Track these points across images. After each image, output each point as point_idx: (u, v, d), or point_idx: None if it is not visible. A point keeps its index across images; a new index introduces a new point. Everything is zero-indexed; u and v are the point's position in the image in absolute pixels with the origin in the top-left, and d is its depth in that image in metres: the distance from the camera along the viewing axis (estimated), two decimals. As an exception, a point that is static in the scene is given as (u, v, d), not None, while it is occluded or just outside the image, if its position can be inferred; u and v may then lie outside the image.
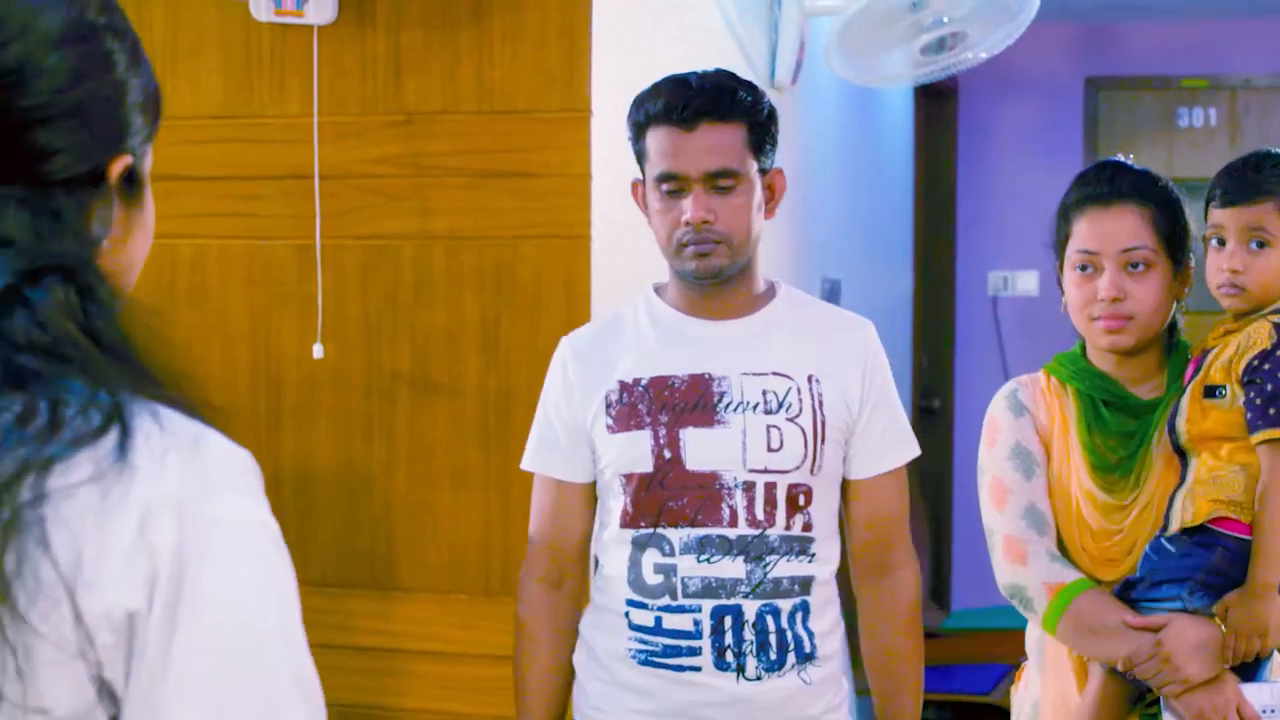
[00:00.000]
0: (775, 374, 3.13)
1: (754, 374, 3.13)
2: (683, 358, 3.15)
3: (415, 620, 4.08)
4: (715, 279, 3.13)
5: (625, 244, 4.11)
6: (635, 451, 3.12)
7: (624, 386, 3.16)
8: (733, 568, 3.07)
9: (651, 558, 3.11)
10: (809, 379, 3.13)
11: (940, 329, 8.69)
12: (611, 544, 3.17)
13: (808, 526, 3.11)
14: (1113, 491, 3.14)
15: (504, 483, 4.02)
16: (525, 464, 3.30)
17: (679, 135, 3.08)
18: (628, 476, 3.13)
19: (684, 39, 4.60)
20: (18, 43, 1.35)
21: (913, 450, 3.26)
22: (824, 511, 3.15)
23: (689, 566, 3.08)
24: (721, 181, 3.08)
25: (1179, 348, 3.22)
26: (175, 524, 1.30)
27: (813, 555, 3.12)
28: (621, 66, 4.10)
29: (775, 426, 3.09)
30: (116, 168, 1.43)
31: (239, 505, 1.35)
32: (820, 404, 3.12)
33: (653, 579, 3.11)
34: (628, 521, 3.13)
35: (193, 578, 1.30)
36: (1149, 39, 8.76)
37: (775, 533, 3.08)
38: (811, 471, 3.11)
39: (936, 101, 8.59)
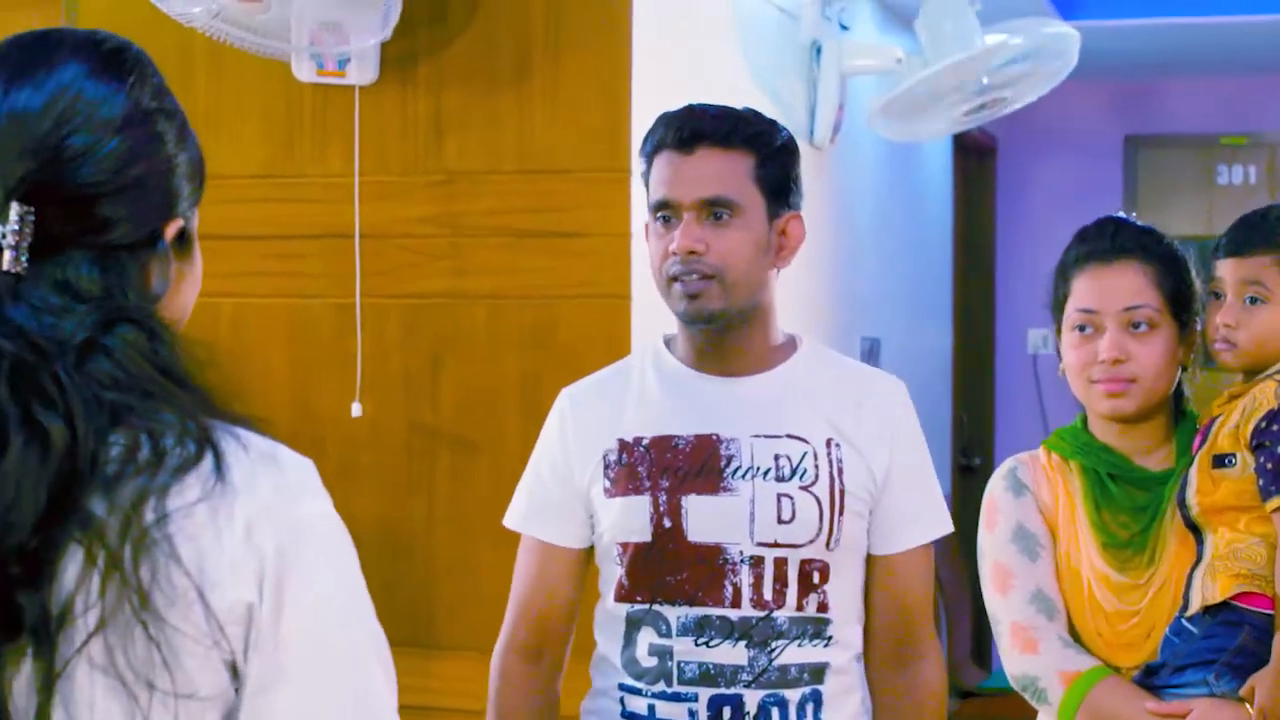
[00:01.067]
0: (790, 437, 2.81)
1: (766, 436, 2.81)
2: (689, 416, 2.83)
3: (456, 679, 4.07)
4: (710, 324, 2.80)
5: (665, 303, 4.11)
6: (633, 519, 2.80)
7: (624, 446, 2.84)
8: (733, 653, 2.75)
9: (647, 637, 2.80)
10: (828, 443, 2.81)
11: (980, 387, 8.67)
12: (606, 620, 2.88)
13: (823, 607, 2.79)
14: (1127, 570, 2.92)
15: (544, 541, 4.01)
16: (511, 523, 3.01)
17: (676, 159, 2.80)
18: (624, 545, 2.82)
19: (724, 98, 4.61)
20: (84, 130, 1.58)
21: (944, 526, 2.94)
22: (844, 590, 2.83)
23: (686, 650, 2.76)
24: (717, 210, 2.77)
25: (1187, 417, 3.01)
26: (273, 529, 1.57)
27: (829, 639, 2.80)
28: (661, 126, 4.11)
29: (787, 495, 2.77)
30: (170, 230, 1.66)
31: (315, 506, 1.64)
32: (839, 471, 2.80)
33: (647, 661, 2.79)
34: (622, 595, 2.82)
35: (291, 572, 1.57)
36: (1187, 97, 8.76)
37: (784, 614, 2.76)
38: (828, 546, 2.79)
39: (975, 160, 8.59)
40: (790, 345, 2.92)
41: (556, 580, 2.94)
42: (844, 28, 5.57)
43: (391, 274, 4.14)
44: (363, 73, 4.05)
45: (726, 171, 2.79)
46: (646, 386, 2.90)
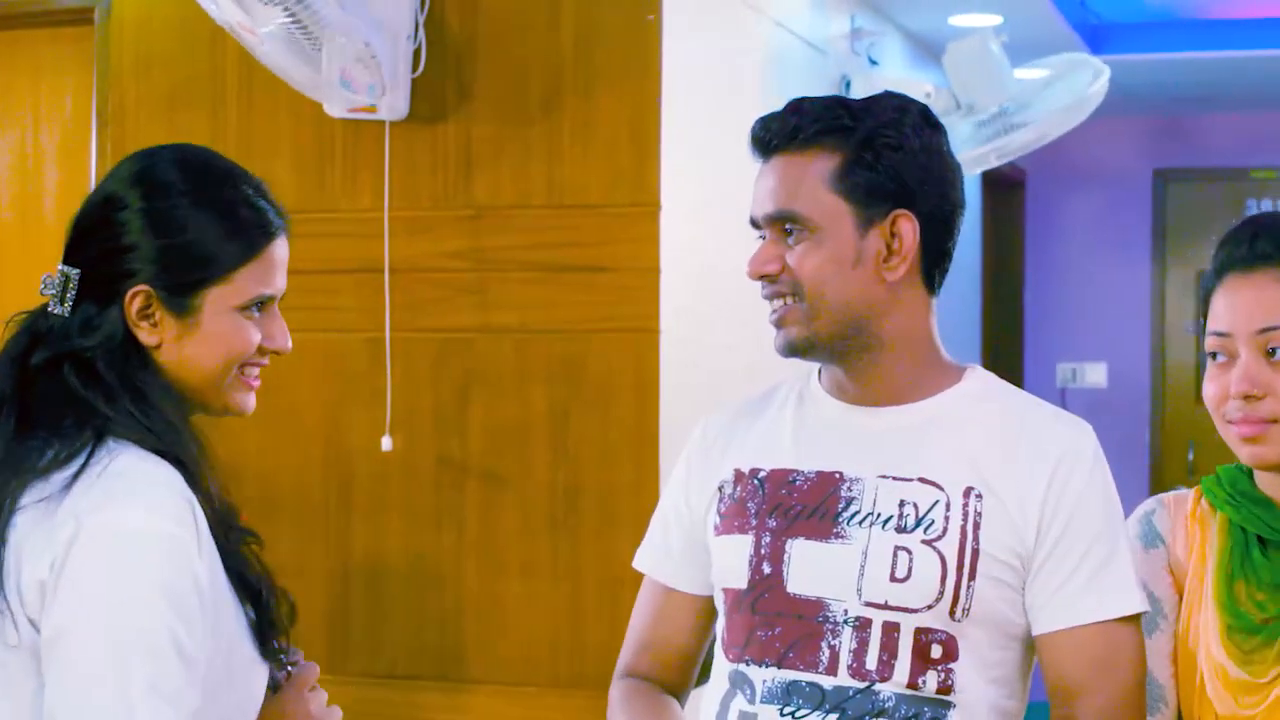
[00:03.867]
0: (922, 481, 2.32)
1: (894, 479, 2.33)
2: (814, 450, 2.40)
3: (484, 712, 4.07)
4: (803, 356, 2.39)
5: (695, 337, 4.12)
6: (733, 560, 2.39)
7: (739, 477, 2.43)
8: None
9: (738, 704, 2.36)
10: (966, 492, 2.31)
11: (1009, 421, 8.64)
12: (713, 678, 2.44)
13: (946, 688, 2.28)
14: (1250, 664, 2.29)
15: (573, 575, 4.02)
16: (636, 562, 2.61)
17: (760, 168, 2.41)
18: (725, 592, 2.41)
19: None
20: (88, 219, 2.17)
21: (1127, 603, 2.31)
22: (979, 672, 2.30)
23: None
24: (785, 226, 2.35)
25: None
26: (74, 526, 1.97)
27: None
28: (690, 161, 4.12)
29: (905, 549, 2.29)
30: (130, 294, 2.11)
31: (123, 517, 1.98)
32: (975, 526, 2.29)
33: None
34: (724, 650, 2.41)
35: (70, 561, 1.96)
36: (1217, 131, 8.75)
37: (889, 689, 2.27)
38: (952, 614, 2.28)
39: (1004, 194, 8.59)
40: (953, 375, 2.43)
41: (674, 627, 2.56)
42: (873, 62, 5.58)
43: (421, 308, 4.15)
44: (393, 108, 4.06)
45: (793, 179, 2.35)
46: (783, 413, 2.48)
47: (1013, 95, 5.19)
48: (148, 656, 1.95)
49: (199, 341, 2.15)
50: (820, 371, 2.47)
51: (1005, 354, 8.61)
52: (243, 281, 2.18)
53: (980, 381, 2.43)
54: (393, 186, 4.14)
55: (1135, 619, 2.32)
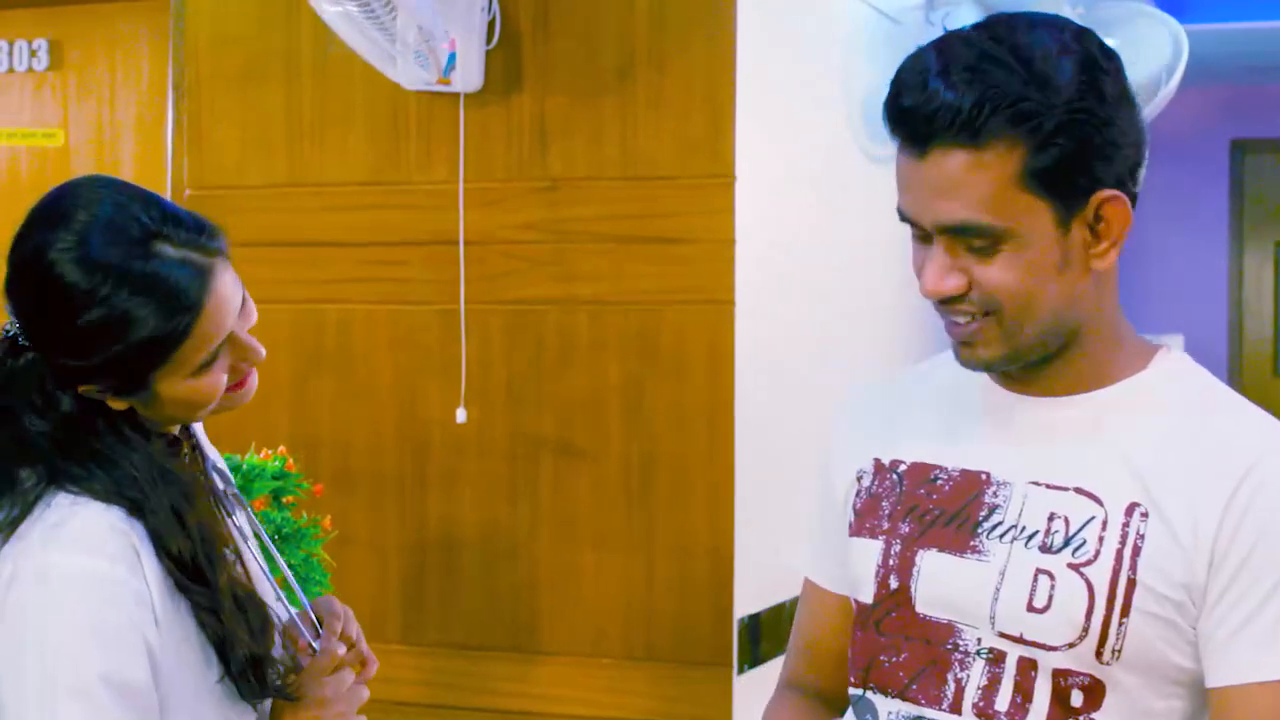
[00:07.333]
0: (1079, 492, 1.96)
1: (1047, 486, 1.98)
2: (961, 443, 2.07)
3: (556, 684, 4.08)
4: (995, 370, 2.05)
5: (769, 309, 4.11)
6: (861, 569, 2.09)
7: (878, 468, 2.13)
8: None
9: None
10: (1129, 509, 1.93)
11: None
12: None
13: None
14: None
15: (648, 548, 4.02)
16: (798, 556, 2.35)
17: (908, 162, 1.95)
18: (855, 604, 2.13)
19: (828, 104, 4.61)
20: (47, 295, 2.06)
21: None
22: None
23: None
24: (969, 242, 1.93)
25: None
26: (14, 565, 1.99)
27: None
28: (765, 132, 4.11)
29: (1047, 572, 1.94)
30: (82, 388, 2.07)
31: (60, 559, 1.98)
32: (1135, 551, 1.91)
33: None
34: (850, 667, 2.14)
35: (10, 595, 1.98)
36: (1296, 101, 8.69)
37: None
38: (1099, 656, 1.91)
39: (1080, 165, 8.55)
40: (1139, 360, 2.06)
41: (823, 628, 2.26)
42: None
43: (495, 280, 4.15)
44: (467, 79, 4.06)
45: (975, 182, 1.90)
46: (938, 393, 2.14)
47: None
48: (75, 699, 1.94)
49: (165, 406, 2.12)
50: None
51: (1080, 326, 8.57)
52: (188, 353, 2.08)
53: (1167, 368, 2.05)
54: (467, 159, 4.14)
55: None
